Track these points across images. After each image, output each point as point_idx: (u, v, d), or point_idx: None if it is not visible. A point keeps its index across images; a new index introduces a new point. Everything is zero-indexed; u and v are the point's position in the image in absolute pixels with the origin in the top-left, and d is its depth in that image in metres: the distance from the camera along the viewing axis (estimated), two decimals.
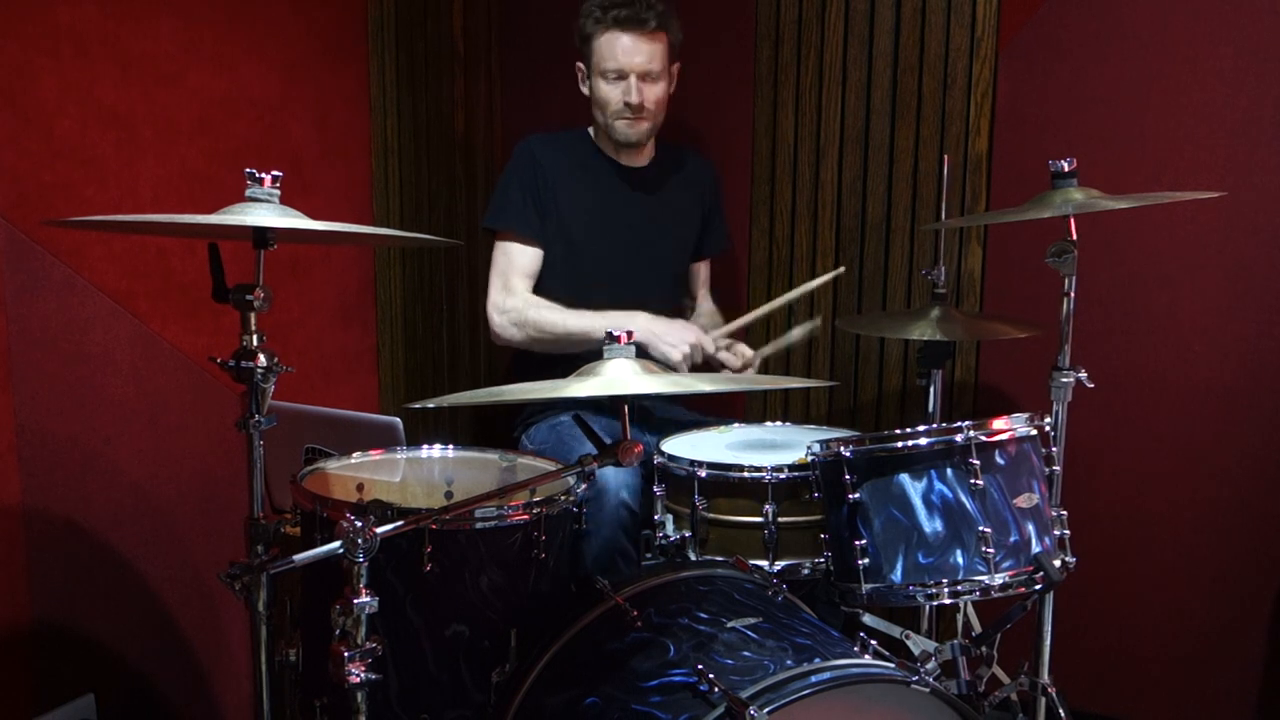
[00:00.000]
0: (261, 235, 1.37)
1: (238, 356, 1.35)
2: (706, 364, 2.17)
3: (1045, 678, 1.86)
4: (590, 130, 2.34)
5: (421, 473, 1.73)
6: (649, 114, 2.21)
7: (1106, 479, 2.32)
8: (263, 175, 1.33)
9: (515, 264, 2.23)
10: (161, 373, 1.94)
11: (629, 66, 2.16)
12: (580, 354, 2.11)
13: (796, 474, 1.70)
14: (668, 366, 2.07)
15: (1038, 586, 1.57)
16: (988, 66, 2.36)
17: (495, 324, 2.24)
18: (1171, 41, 2.19)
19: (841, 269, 2.37)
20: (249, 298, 1.34)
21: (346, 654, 1.17)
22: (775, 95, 2.57)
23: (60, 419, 1.77)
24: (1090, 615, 2.34)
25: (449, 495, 1.72)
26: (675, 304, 2.44)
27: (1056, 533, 1.66)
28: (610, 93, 2.19)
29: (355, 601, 1.17)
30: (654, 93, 2.20)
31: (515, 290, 2.22)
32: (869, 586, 1.59)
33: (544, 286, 2.26)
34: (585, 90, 2.27)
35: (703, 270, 2.51)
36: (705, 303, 2.52)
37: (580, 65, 2.26)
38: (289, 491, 1.53)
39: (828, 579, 1.68)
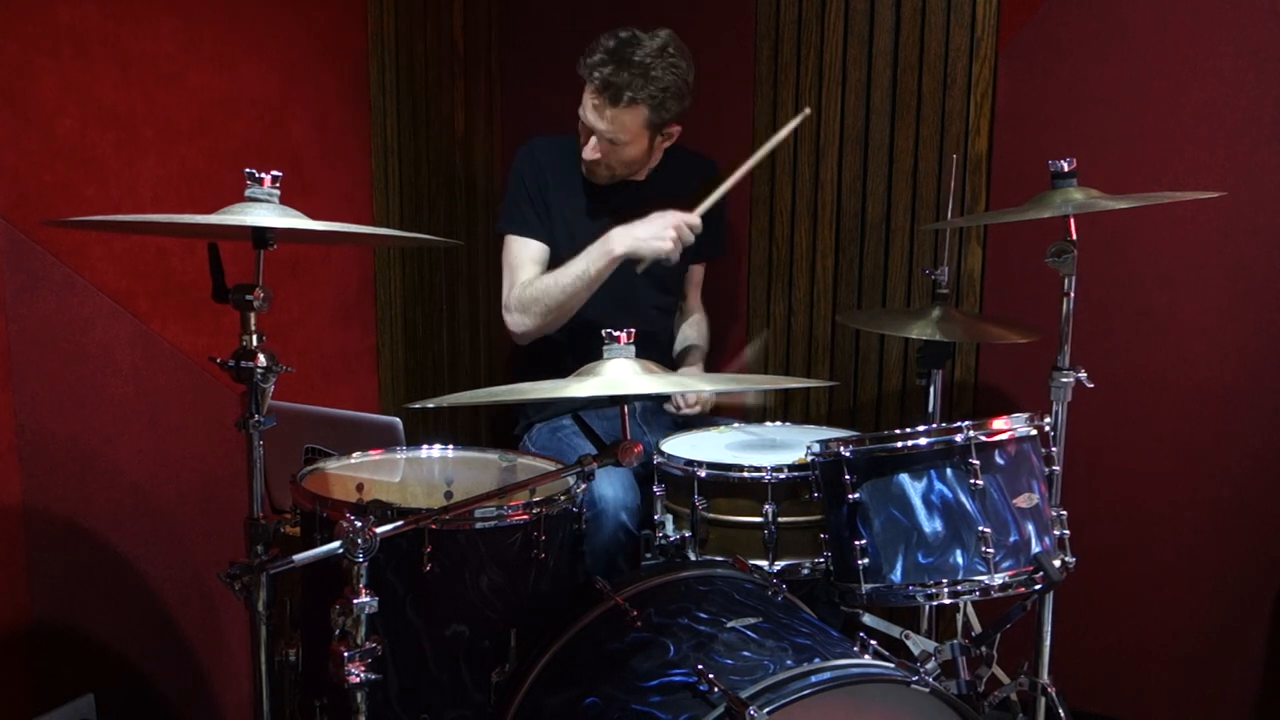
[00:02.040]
0: (261, 235, 1.37)
1: (238, 356, 1.35)
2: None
3: (1045, 678, 1.86)
4: None
5: (421, 473, 1.73)
6: (606, 167, 2.19)
7: (1106, 479, 2.32)
8: (263, 175, 1.33)
9: (518, 263, 2.23)
10: (161, 373, 1.94)
11: (592, 127, 2.13)
12: (579, 353, 2.11)
13: (796, 474, 1.70)
14: (662, 263, 2.09)
15: (1038, 586, 1.57)
16: (988, 66, 2.36)
17: (508, 324, 2.23)
18: (1171, 41, 2.19)
19: (808, 110, 2.26)
20: (249, 298, 1.34)
21: (346, 654, 1.17)
22: (775, 95, 2.57)
23: (60, 419, 1.77)
24: (1090, 615, 2.34)
25: (449, 495, 1.72)
26: (669, 307, 2.44)
27: (1056, 533, 1.66)
28: (581, 133, 2.18)
29: (355, 601, 1.17)
30: (618, 154, 2.16)
31: (518, 284, 2.22)
32: (869, 586, 1.59)
33: None
34: None
35: (697, 273, 2.50)
36: (695, 306, 2.51)
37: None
38: (289, 491, 1.53)
39: (828, 579, 1.68)
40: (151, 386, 1.93)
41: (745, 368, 2.19)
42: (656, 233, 2.07)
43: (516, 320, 2.20)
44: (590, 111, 2.13)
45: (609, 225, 2.17)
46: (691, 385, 1.78)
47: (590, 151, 2.16)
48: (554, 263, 2.24)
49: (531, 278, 2.20)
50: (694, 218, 2.10)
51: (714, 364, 2.51)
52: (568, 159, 2.27)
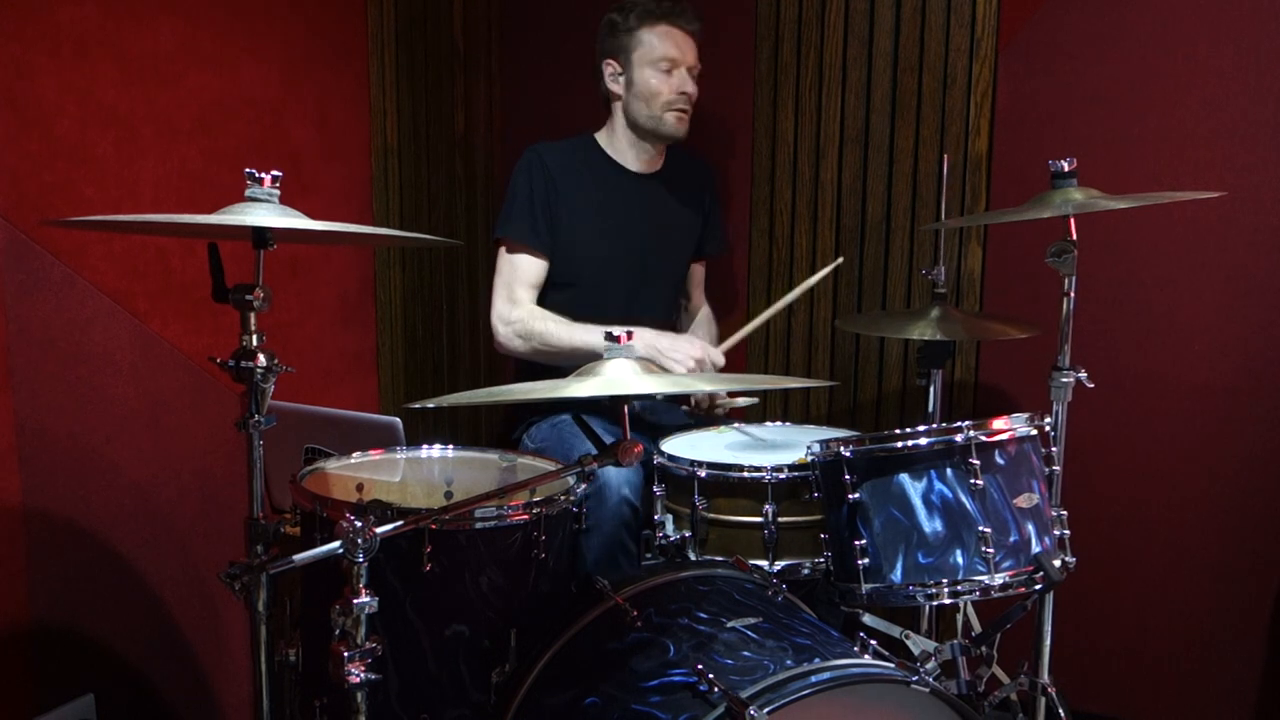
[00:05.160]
0: (261, 235, 1.37)
1: (238, 356, 1.35)
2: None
3: (1045, 678, 1.86)
4: (597, 136, 2.33)
5: (421, 473, 1.73)
6: (691, 107, 2.24)
7: (1106, 479, 2.32)
8: (262, 175, 1.33)
9: (520, 274, 2.21)
10: (161, 373, 1.94)
11: (678, 58, 2.19)
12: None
13: (796, 474, 1.70)
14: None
15: (1038, 586, 1.57)
16: (988, 66, 2.36)
17: (500, 335, 2.21)
18: (1171, 41, 2.19)
19: (840, 260, 2.33)
20: (249, 298, 1.34)
21: (346, 654, 1.17)
22: (775, 95, 2.57)
23: (60, 419, 1.77)
24: (1090, 615, 2.34)
25: (449, 495, 1.72)
26: (674, 304, 2.45)
27: (1056, 533, 1.66)
28: (662, 84, 2.20)
29: (355, 601, 1.17)
30: (693, 88, 2.24)
31: (520, 301, 2.19)
32: (869, 586, 1.59)
33: (551, 292, 2.25)
34: (615, 88, 2.25)
35: (698, 272, 2.51)
36: (700, 304, 2.52)
37: (610, 62, 2.25)
38: (289, 491, 1.53)
39: (828, 579, 1.68)
40: (151, 386, 1.93)
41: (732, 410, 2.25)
42: (679, 359, 2.06)
43: (510, 340, 2.19)
44: (673, 48, 2.19)
45: (624, 222, 2.16)
46: (691, 386, 1.78)
47: (691, 84, 2.21)
48: (558, 269, 2.24)
49: (535, 307, 2.19)
50: (719, 356, 2.12)
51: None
52: (576, 159, 2.27)
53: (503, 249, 2.24)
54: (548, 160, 2.24)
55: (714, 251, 2.50)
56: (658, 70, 2.19)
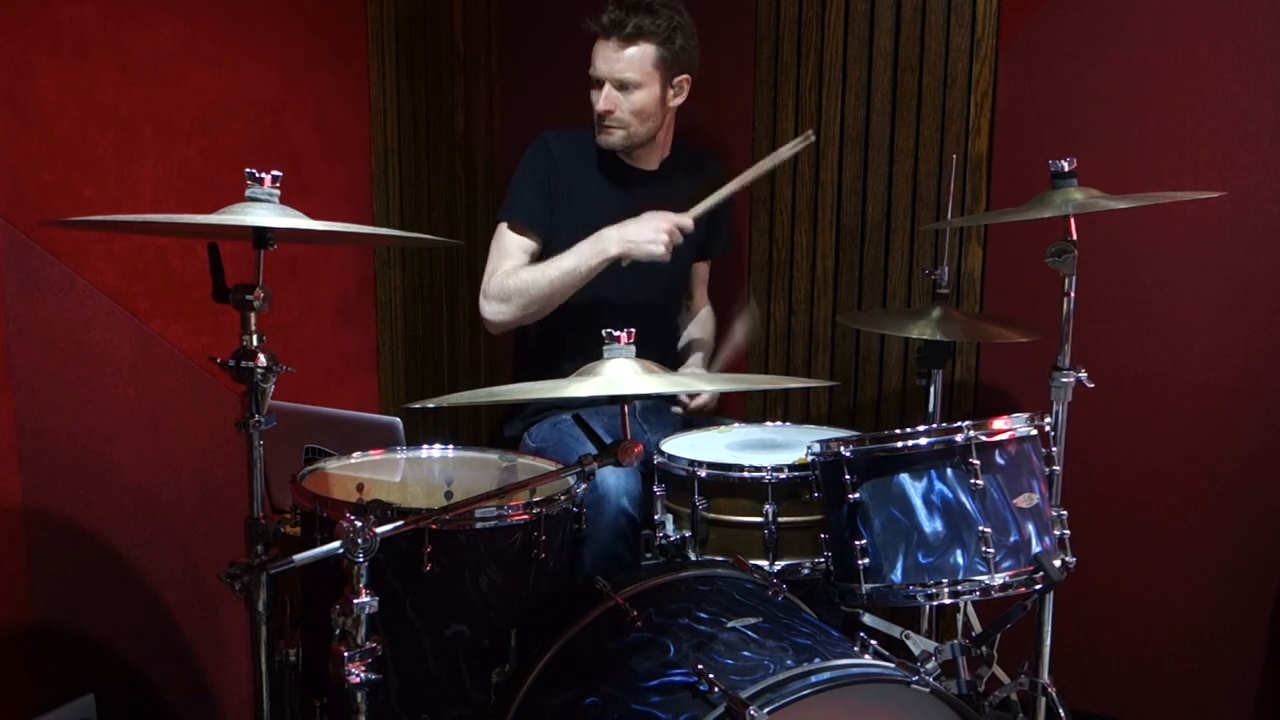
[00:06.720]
0: (261, 235, 1.37)
1: (238, 356, 1.35)
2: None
3: (1045, 678, 1.86)
4: None
5: (421, 473, 1.73)
6: (619, 122, 2.18)
7: (1106, 479, 2.32)
8: (262, 175, 1.34)
9: (506, 251, 2.21)
10: (161, 373, 1.94)
11: (603, 74, 2.15)
12: (579, 352, 2.12)
13: (796, 474, 1.70)
14: (655, 264, 2.10)
15: (1038, 586, 1.57)
16: (988, 66, 2.36)
17: (485, 312, 2.20)
18: (1171, 41, 2.19)
19: (810, 134, 2.26)
20: (249, 298, 1.34)
21: (346, 654, 1.18)
22: (775, 95, 2.57)
23: (60, 419, 1.77)
24: (1090, 615, 2.34)
25: (449, 495, 1.72)
26: (676, 300, 2.45)
27: (1056, 533, 1.66)
28: (594, 99, 2.19)
29: (355, 601, 1.17)
30: (630, 101, 2.16)
31: (498, 273, 2.20)
32: (869, 586, 1.59)
33: None
34: None
35: (702, 270, 2.51)
36: (702, 303, 2.52)
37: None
38: (289, 491, 1.53)
39: (828, 579, 1.68)
40: (151, 386, 1.93)
41: (741, 344, 2.22)
42: (650, 236, 2.07)
43: (494, 309, 2.17)
44: (599, 61, 2.15)
45: (620, 217, 2.17)
46: (691, 385, 1.79)
47: (603, 102, 2.15)
48: (553, 255, 2.24)
49: (514, 267, 2.18)
50: (686, 220, 2.11)
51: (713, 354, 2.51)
52: (581, 150, 2.27)
53: (498, 231, 2.25)
54: (554, 147, 2.24)
55: (719, 251, 2.50)
56: (592, 85, 2.19)
